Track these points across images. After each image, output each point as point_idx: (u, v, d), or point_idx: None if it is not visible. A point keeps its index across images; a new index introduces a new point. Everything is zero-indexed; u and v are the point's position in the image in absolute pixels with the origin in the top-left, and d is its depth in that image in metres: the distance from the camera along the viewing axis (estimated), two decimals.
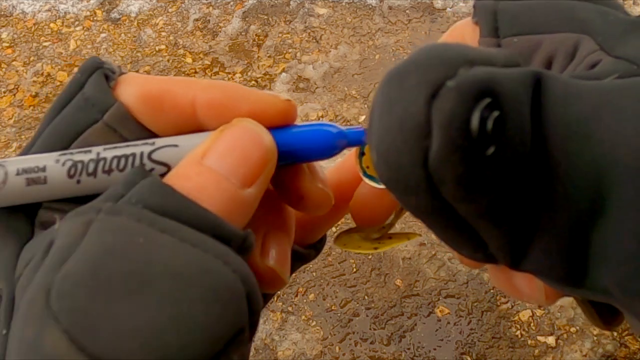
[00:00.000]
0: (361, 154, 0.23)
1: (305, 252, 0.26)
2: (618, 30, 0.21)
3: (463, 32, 0.25)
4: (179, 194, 0.18)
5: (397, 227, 0.25)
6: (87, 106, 0.21)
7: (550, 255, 0.17)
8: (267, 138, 0.19)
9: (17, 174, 0.19)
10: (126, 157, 0.20)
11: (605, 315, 0.23)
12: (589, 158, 0.16)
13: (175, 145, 0.20)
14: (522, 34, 0.23)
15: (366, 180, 0.23)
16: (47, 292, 0.16)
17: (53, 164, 0.20)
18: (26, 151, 0.21)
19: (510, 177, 0.16)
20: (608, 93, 0.17)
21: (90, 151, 0.20)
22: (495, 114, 0.15)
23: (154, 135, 0.21)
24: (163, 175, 0.19)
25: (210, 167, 0.18)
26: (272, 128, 0.21)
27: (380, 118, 0.16)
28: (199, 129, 0.21)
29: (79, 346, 0.15)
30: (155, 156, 0.20)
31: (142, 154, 0.20)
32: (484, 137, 0.15)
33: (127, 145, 0.20)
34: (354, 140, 0.22)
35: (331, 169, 0.26)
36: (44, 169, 0.20)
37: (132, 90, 0.21)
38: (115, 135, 0.21)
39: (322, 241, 0.28)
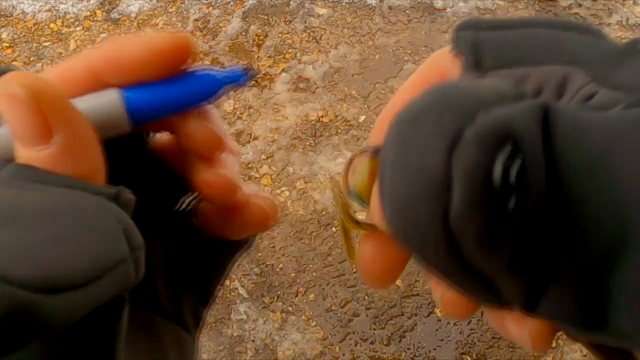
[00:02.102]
0: (349, 169, 0.22)
1: (233, 243, 0.27)
2: (609, 61, 0.20)
3: (443, 64, 0.23)
4: (32, 167, 0.18)
5: None
6: None
7: (567, 299, 0.16)
8: (16, 89, 0.18)
9: None
10: None
11: (613, 356, 0.22)
12: (607, 198, 0.15)
13: None
14: (507, 67, 0.21)
15: (350, 199, 0.22)
16: None
17: None
18: None
19: (530, 228, 0.15)
20: (619, 126, 0.16)
21: None
22: (518, 163, 0.15)
23: None
24: None
25: (17, 147, 0.19)
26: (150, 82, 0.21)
27: (393, 170, 0.16)
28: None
29: None
30: None
31: None
32: (507, 188, 0.15)
33: None
34: (234, 81, 0.23)
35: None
36: None
37: None
38: None
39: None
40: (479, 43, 0.22)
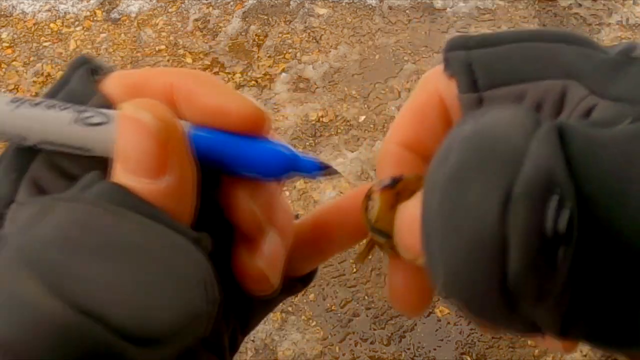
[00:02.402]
0: (368, 204, 0.22)
1: (291, 284, 0.26)
2: (605, 72, 0.20)
3: (437, 87, 0.23)
4: (130, 192, 0.18)
5: None
6: (70, 99, 0.21)
7: (600, 322, 0.16)
8: (150, 120, 0.18)
9: None
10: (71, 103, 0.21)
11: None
12: (631, 217, 0.15)
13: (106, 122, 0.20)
14: (503, 85, 0.21)
15: (373, 235, 0.22)
16: (18, 248, 0.16)
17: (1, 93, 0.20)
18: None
19: (575, 267, 0.15)
20: (633, 142, 0.16)
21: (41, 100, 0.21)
22: (567, 213, 0.15)
23: None
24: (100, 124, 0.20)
25: (122, 171, 0.18)
26: (228, 133, 0.20)
27: (444, 234, 0.16)
28: (179, 116, 0.21)
29: (54, 292, 0.15)
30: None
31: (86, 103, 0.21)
32: (558, 238, 0.15)
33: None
34: (305, 170, 0.22)
35: (327, 205, 0.25)
36: None
37: (114, 82, 0.22)
38: None
39: (310, 275, 0.27)
40: (471, 63, 0.22)
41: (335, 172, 0.22)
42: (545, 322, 0.16)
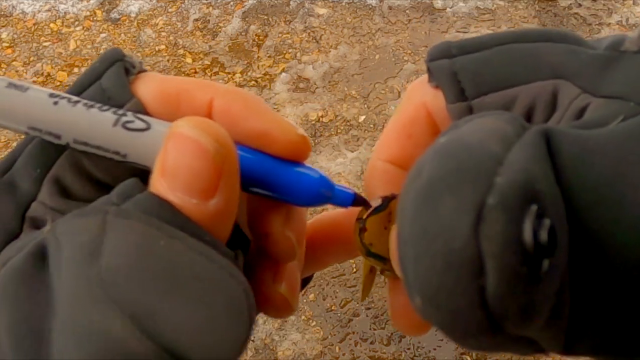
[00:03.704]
0: (361, 229, 0.21)
1: None
2: (595, 68, 0.19)
3: (423, 99, 0.22)
4: (175, 208, 0.17)
5: None
6: (103, 98, 0.20)
7: (605, 335, 0.16)
8: (209, 142, 0.17)
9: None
10: (112, 105, 0.20)
11: None
12: (629, 224, 0.14)
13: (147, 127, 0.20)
14: (492, 91, 0.20)
15: (369, 260, 0.21)
16: (98, 281, 0.15)
17: (39, 87, 0.20)
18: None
19: (564, 278, 0.15)
20: (624, 143, 0.15)
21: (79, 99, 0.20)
22: (546, 222, 0.14)
23: None
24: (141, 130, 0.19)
25: (168, 188, 0.17)
26: (268, 156, 0.20)
27: (417, 255, 0.15)
28: None
29: (143, 331, 0.15)
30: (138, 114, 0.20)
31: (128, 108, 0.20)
32: (539, 251, 0.14)
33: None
34: (339, 201, 0.21)
35: (326, 215, 0.25)
36: (27, 87, 0.20)
37: (150, 87, 0.21)
38: None
39: (307, 279, 0.27)
40: (456, 72, 0.21)
41: (367, 204, 0.22)
42: (546, 341, 0.16)
